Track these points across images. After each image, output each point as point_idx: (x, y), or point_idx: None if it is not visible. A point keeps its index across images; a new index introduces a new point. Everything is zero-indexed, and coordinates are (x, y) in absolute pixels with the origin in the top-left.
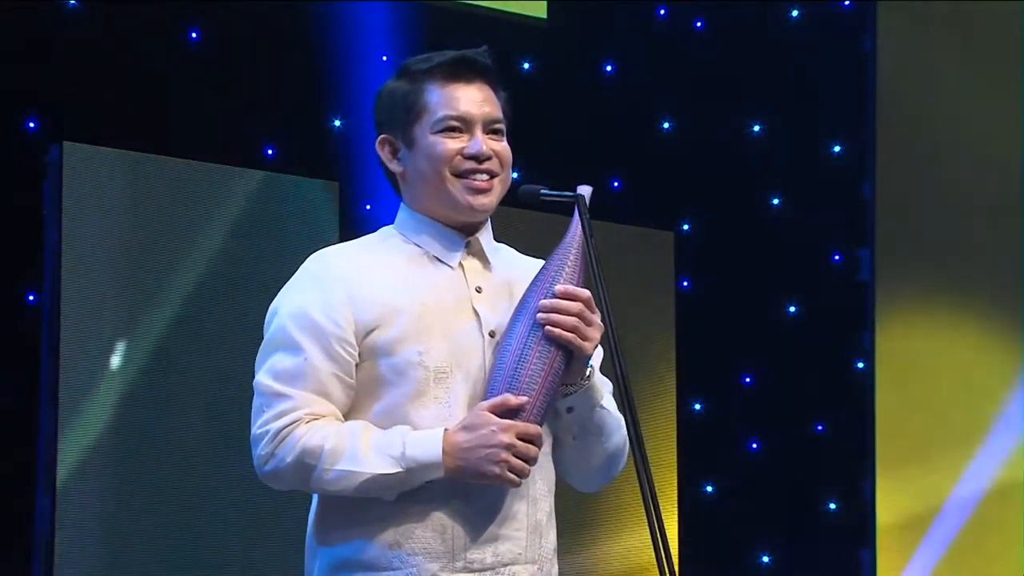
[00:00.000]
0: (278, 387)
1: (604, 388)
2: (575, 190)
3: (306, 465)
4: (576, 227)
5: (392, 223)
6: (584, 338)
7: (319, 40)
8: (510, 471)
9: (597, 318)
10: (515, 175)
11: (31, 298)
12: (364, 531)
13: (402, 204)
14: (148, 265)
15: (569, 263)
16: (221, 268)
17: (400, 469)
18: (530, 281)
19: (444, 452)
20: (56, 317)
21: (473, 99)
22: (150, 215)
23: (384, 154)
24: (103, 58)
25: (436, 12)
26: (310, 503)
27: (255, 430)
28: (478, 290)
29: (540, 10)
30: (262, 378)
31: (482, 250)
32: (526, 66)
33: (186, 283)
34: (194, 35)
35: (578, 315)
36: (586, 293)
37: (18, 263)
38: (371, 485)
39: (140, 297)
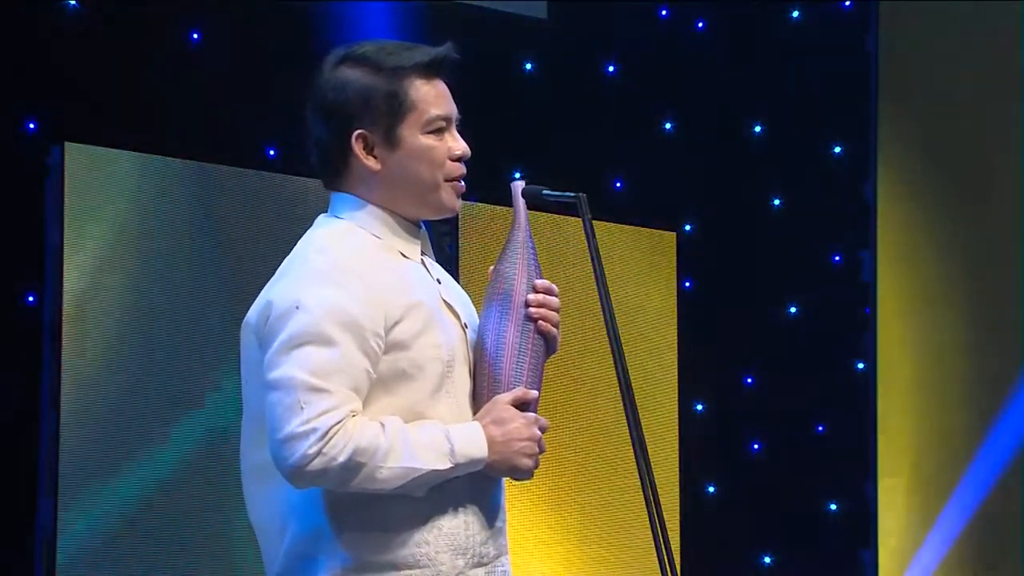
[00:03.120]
0: (317, 382)
1: None
2: (510, 187)
3: (358, 464)
4: (522, 217)
5: (334, 215)
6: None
7: (320, 40)
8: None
9: None
10: (516, 174)
11: (31, 299)
12: (386, 531)
13: (352, 197)
14: (149, 265)
15: (533, 256)
16: (222, 268)
17: (451, 465)
18: (447, 276)
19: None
20: (58, 318)
21: (448, 97)
22: (151, 216)
23: (359, 150)
24: (104, 59)
25: (437, 12)
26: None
27: (294, 428)
28: (439, 282)
29: (541, 10)
30: (294, 373)
31: (427, 243)
32: (528, 66)
33: (187, 284)
34: (195, 35)
35: (557, 310)
36: (556, 287)
37: (19, 264)
38: (418, 482)
39: (141, 298)
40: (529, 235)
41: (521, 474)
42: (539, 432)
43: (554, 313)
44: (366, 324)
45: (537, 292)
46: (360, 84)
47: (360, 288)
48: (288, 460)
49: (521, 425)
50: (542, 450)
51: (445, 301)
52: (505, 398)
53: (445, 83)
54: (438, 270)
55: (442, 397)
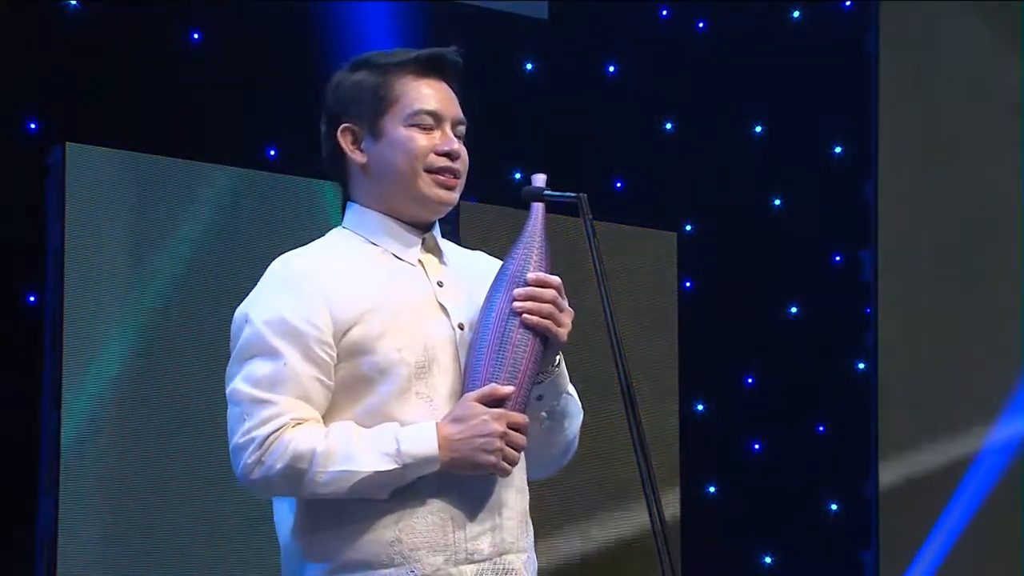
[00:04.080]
0: (259, 394)
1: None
2: (531, 180)
3: (297, 470)
4: (537, 217)
5: (341, 224)
6: (559, 324)
7: (321, 40)
8: (503, 460)
9: (566, 304)
10: (517, 175)
11: (32, 299)
12: (359, 529)
13: (353, 203)
14: (150, 266)
15: (535, 252)
16: (223, 269)
17: (397, 466)
18: (494, 273)
19: (439, 445)
20: (59, 317)
21: (443, 96)
22: (152, 216)
23: (345, 143)
24: (105, 58)
25: (438, 11)
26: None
27: (237, 439)
28: (439, 284)
29: (542, 10)
30: (239, 386)
31: (436, 245)
32: (528, 66)
33: (188, 284)
34: (196, 35)
35: (552, 302)
36: (557, 280)
37: (20, 264)
38: (366, 484)
39: (142, 298)
40: (541, 232)
41: (484, 471)
42: (501, 428)
43: (545, 305)
44: (309, 332)
45: (528, 285)
46: (352, 82)
47: (306, 297)
48: (236, 471)
49: (482, 422)
50: (516, 445)
51: (439, 303)
52: (472, 395)
53: (449, 86)
54: (446, 272)
55: (411, 399)
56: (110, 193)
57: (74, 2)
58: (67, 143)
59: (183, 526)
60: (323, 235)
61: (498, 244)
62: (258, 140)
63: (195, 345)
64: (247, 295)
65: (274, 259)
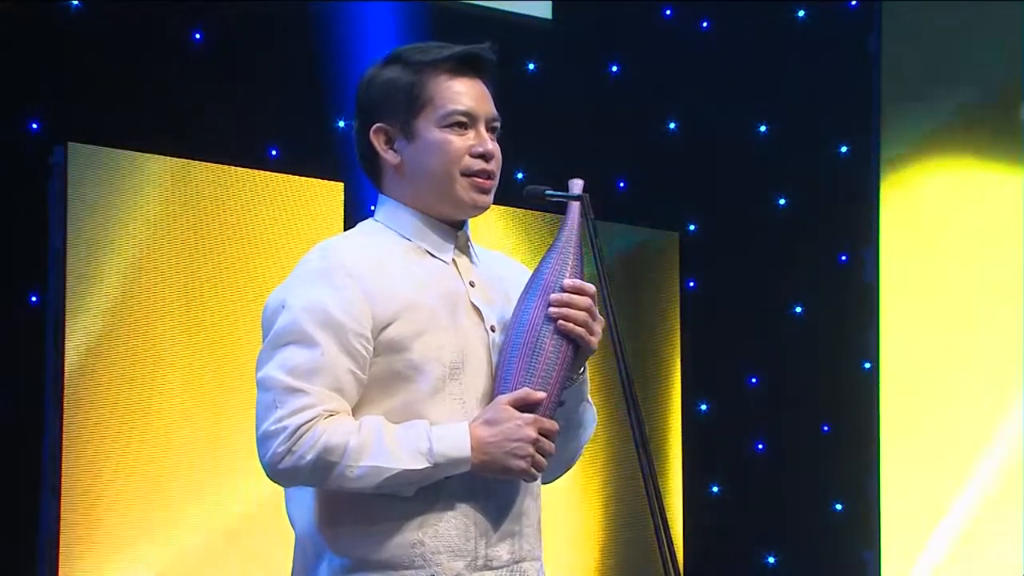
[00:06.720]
0: (293, 382)
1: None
2: (568, 186)
3: (328, 462)
4: (573, 222)
5: (374, 217)
6: (591, 333)
7: (323, 40)
8: (533, 465)
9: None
10: (519, 175)
11: (34, 299)
12: (381, 529)
13: (387, 198)
14: (150, 265)
15: (571, 258)
16: (224, 269)
17: (428, 465)
18: (518, 276)
19: (471, 447)
20: (60, 318)
21: (477, 94)
22: (154, 216)
23: (378, 143)
24: (107, 59)
25: (440, 12)
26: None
27: (268, 426)
28: (471, 284)
29: (545, 10)
30: (273, 373)
31: (467, 245)
32: (531, 66)
33: (189, 284)
34: (197, 36)
35: (587, 310)
36: (592, 288)
37: (21, 264)
38: (395, 481)
39: (143, 298)
40: (576, 238)
41: (514, 475)
42: (534, 433)
43: (580, 313)
44: (348, 324)
45: (564, 291)
46: (385, 80)
47: (347, 289)
48: (263, 459)
49: (515, 426)
50: (546, 452)
51: (472, 303)
52: (505, 398)
53: (484, 84)
54: (477, 272)
55: (444, 399)
56: (112, 193)
57: (75, 2)
58: (69, 143)
59: (184, 526)
60: (323, 235)
61: (499, 244)
62: (258, 140)
63: (196, 343)
64: (247, 294)
65: (274, 258)
